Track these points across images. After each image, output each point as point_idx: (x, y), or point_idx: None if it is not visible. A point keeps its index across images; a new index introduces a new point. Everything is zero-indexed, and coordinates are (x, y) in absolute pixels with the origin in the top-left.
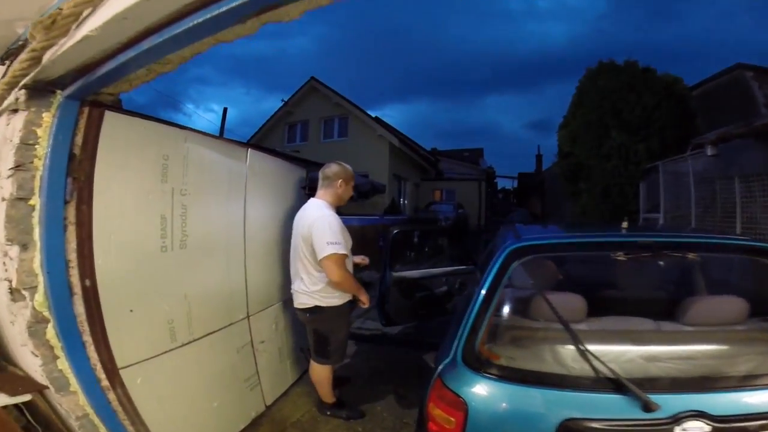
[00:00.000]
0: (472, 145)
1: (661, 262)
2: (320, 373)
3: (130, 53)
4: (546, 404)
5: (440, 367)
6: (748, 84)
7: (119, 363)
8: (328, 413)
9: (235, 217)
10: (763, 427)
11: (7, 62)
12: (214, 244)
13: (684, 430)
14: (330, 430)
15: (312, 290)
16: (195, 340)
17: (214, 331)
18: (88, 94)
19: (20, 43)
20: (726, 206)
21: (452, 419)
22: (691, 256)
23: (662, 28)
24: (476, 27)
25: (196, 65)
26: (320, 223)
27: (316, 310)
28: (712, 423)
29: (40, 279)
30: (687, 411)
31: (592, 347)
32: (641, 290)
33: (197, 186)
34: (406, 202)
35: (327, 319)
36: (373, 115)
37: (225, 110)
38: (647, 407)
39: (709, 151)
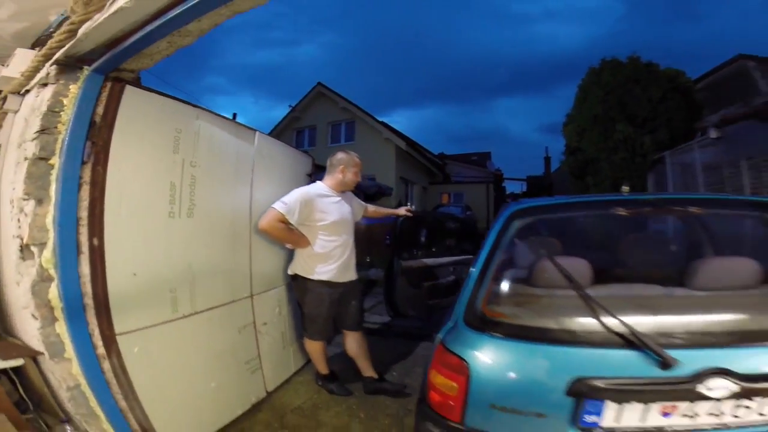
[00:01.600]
0: (483, 149)
1: (670, 234)
2: (306, 344)
3: (156, 23)
4: (555, 362)
5: (442, 333)
6: (750, 74)
7: (117, 328)
8: (319, 383)
9: (241, 196)
10: None
11: (37, 49)
12: (221, 218)
13: (709, 389)
14: (332, 417)
15: (295, 258)
16: (196, 313)
17: (216, 306)
18: (112, 69)
19: (51, 30)
20: (735, 192)
21: (454, 384)
22: (693, 210)
23: (685, 30)
24: (488, 31)
25: (211, 72)
26: (292, 191)
27: (293, 278)
28: (738, 382)
29: (51, 235)
30: (709, 368)
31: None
32: (648, 257)
33: (207, 160)
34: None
35: (298, 289)
36: (381, 120)
37: (234, 116)
38: (665, 363)
39: (713, 133)
